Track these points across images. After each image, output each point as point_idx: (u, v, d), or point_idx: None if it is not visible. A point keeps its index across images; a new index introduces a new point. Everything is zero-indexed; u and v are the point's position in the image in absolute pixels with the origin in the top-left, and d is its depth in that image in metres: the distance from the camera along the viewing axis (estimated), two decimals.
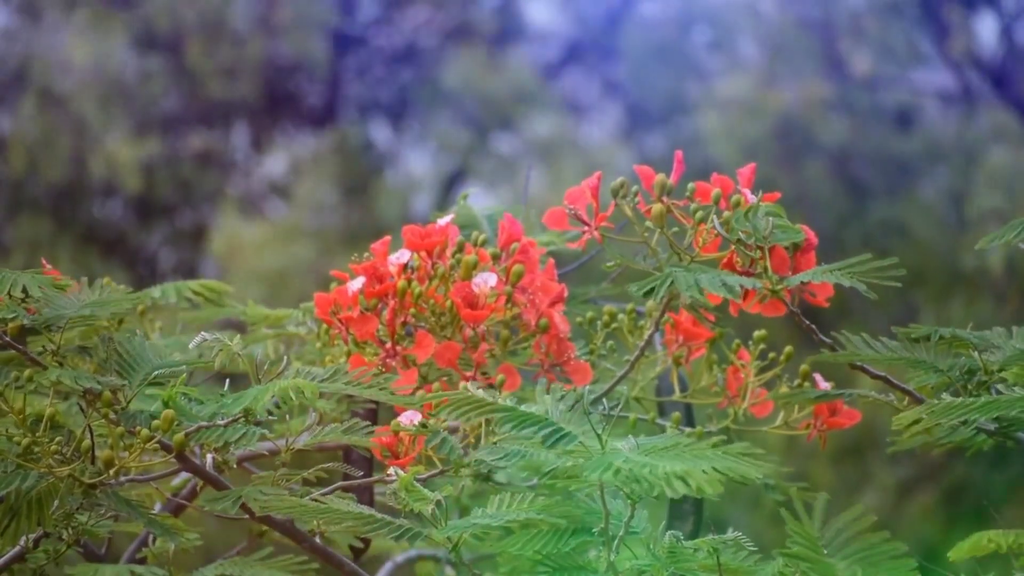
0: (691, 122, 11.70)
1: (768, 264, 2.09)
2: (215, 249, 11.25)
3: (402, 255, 2.20)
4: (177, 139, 11.63)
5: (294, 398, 1.89)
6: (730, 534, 1.90)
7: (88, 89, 11.24)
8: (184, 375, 2.00)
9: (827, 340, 2.12)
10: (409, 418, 2.00)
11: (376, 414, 2.40)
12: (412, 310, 2.16)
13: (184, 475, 2.35)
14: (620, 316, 2.36)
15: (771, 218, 2.09)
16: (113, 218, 11.73)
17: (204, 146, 11.75)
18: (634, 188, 2.15)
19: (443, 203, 11.06)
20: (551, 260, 2.27)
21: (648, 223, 2.11)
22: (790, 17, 11.62)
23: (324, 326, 2.23)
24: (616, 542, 1.84)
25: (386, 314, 2.16)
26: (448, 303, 2.16)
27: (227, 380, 2.08)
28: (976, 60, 11.40)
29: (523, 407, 1.84)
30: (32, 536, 2.01)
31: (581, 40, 12.50)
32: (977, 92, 11.39)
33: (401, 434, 1.99)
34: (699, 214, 2.10)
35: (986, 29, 11.69)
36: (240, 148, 12.07)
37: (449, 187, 11.69)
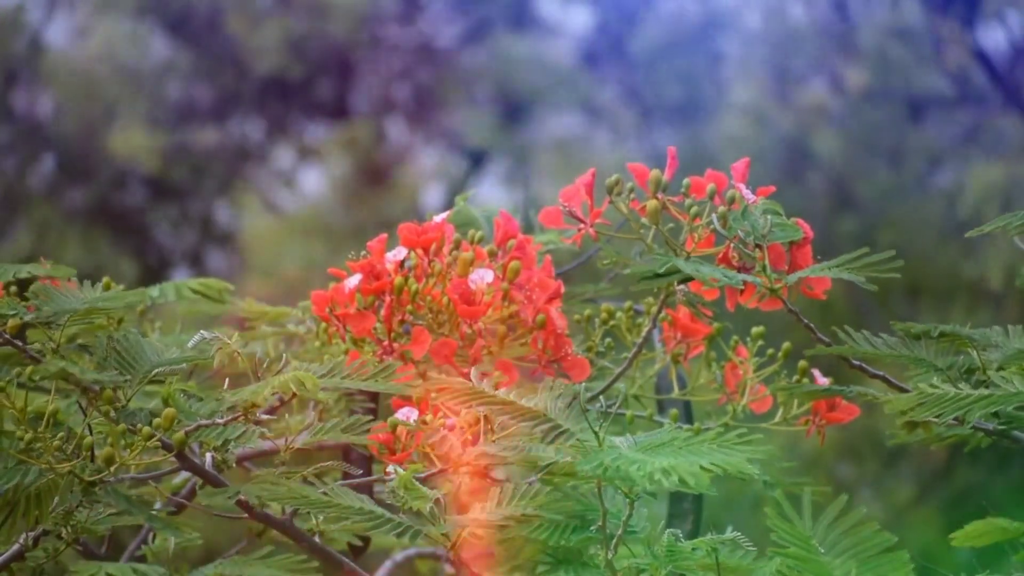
0: (703, 126, 11.71)
1: (767, 262, 2.09)
2: (223, 239, 11.27)
3: (399, 252, 2.20)
4: (190, 126, 11.64)
5: (295, 390, 1.89)
6: (729, 533, 1.90)
7: (102, 72, 11.25)
8: (182, 373, 2.00)
9: (825, 339, 2.12)
10: (405, 414, 2.00)
11: (376, 414, 2.40)
12: (409, 307, 2.17)
13: (184, 474, 2.35)
14: (618, 314, 2.36)
15: (769, 216, 2.09)
16: (124, 204, 11.74)
17: (217, 134, 11.76)
18: (629, 185, 2.16)
19: (453, 199, 11.04)
20: (548, 257, 2.27)
21: (643, 220, 2.12)
22: (797, 26, 11.63)
23: (323, 324, 2.23)
24: (615, 540, 1.84)
25: (383, 311, 2.16)
26: (445, 300, 2.16)
27: (226, 380, 2.08)
28: (981, 67, 11.40)
29: (521, 401, 1.84)
30: (31, 535, 2.01)
31: (597, 42, 12.50)
32: (981, 99, 11.39)
33: (397, 430, 1.99)
34: (694, 209, 2.10)
35: (991, 37, 11.69)
36: (253, 138, 12.08)
37: (463, 184, 11.69)
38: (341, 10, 11.63)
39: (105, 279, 2.36)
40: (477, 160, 11.94)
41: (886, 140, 11.18)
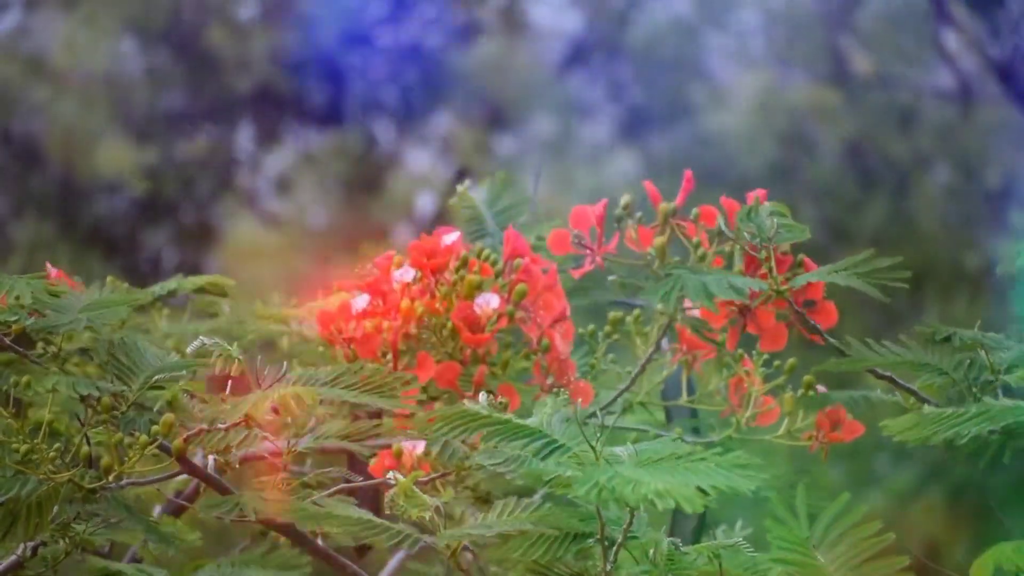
0: (698, 121, 11.69)
1: (773, 265, 2.08)
2: (223, 253, 11.26)
3: (406, 272, 2.17)
4: (180, 135, 11.63)
5: (293, 405, 1.88)
6: (737, 534, 1.89)
7: (91, 85, 11.25)
8: (182, 380, 1.99)
9: (835, 344, 2.11)
10: (412, 446, 1.98)
11: (381, 416, 2.38)
12: (413, 326, 2.14)
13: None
14: (627, 319, 2.34)
15: (775, 217, 2.08)
16: (115, 217, 11.74)
17: (207, 143, 11.75)
18: (639, 215, 2.17)
19: (446, 203, 11.05)
20: (556, 275, 2.24)
21: (650, 252, 2.13)
22: (799, 15, 11.61)
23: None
24: (615, 549, 1.82)
25: (388, 336, 2.14)
26: (449, 325, 2.13)
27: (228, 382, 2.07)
28: (983, 57, 11.38)
29: (516, 420, 1.81)
30: (30, 544, 2.00)
31: (587, 40, 12.49)
32: (983, 89, 11.38)
33: (403, 458, 1.98)
34: (700, 251, 2.11)
35: (993, 26, 11.67)
36: (244, 145, 12.07)
37: (454, 185, 11.66)
38: (327, 18, 11.63)
39: (109, 277, 2.36)
40: (462, 172, 11.93)
41: (889, 130, 11.16)
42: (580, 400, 2.16)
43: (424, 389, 2.15)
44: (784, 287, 2.07)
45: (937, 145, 11.28)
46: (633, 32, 12.09)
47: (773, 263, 2.07)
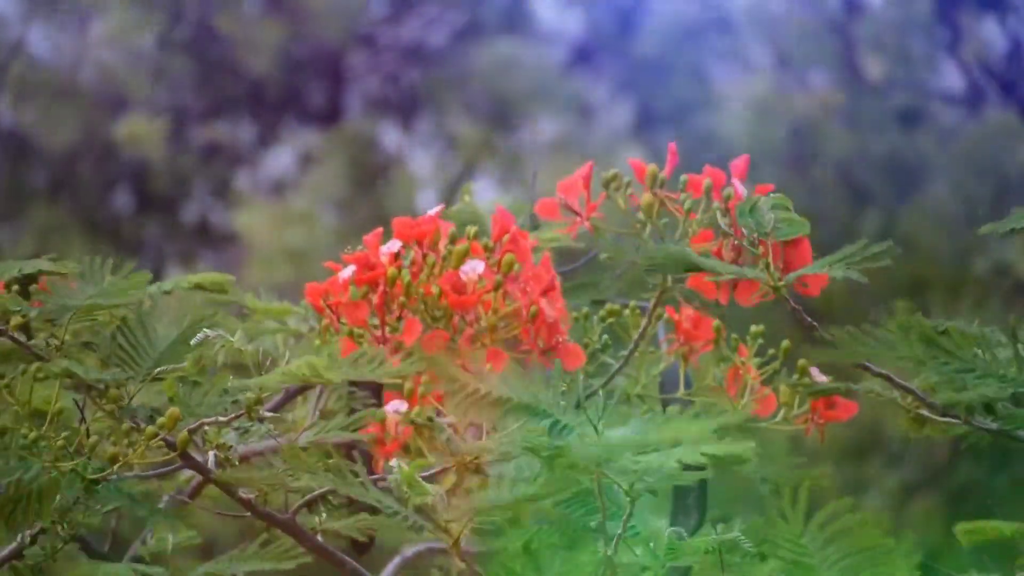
0: (701, 123, 11.70)
1: (770, 259, 2.08)
2: (225, 251, 11.26)
3: (392, 245, 2.20)
4: (184, 129, 11.63)
5: (308, 374, 1.88)
6: (735, 530, 1.90)
7: (97, 76, 11.25)
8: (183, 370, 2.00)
9: (829, 337, 2.11)
10: (395, 407, 2.00)
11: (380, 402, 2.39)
12: (401, 299, 2.16)
13: (189, 471, 2.35)
14: (626, 312, 2.35)
15: (775, 211, 2.08)
16: (121, 208, 11.74)
17: (211, 137, 11.75)
18: (627, 180, 2.18)
19: (450, 201, 11.04)
20: (547, 252, 2.26)
21: (639, 216, 2.14)
22: (804, 20, 11.61)
23: (322, 322, 2.22)
24: (616, 539, 1.83)
25: (375, 300, 2.15)
26: (437, 292, 2.15)
27: (230, 376, 2.08)
28: (985, 64, 11.38)
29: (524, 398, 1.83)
30: (29, 533, 2.01)
31: (591, 40, 12.49)
32: (986, 95, 11.38)
33: (387, 423, 1.99)
34: (688, 204, 2.12)
35: (994, 32, 11.67)
36: (246, 141, 12.07)
37: (456, 185, 11.68)
38: (331, 13, 11.62)
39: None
40: (461, 175, 11.92)
41: (892, 137, 11.16)
42: (570, 362, 2.18)
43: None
44: (781, 283, 2.07)
45: (943, 149, 11.28)
46: (637, 33, 12.10)
47: (771, 258, 2.07)
